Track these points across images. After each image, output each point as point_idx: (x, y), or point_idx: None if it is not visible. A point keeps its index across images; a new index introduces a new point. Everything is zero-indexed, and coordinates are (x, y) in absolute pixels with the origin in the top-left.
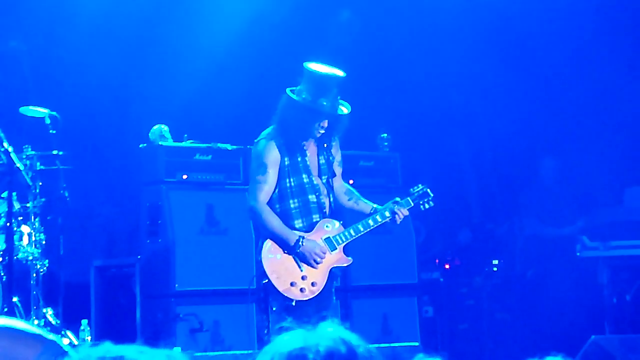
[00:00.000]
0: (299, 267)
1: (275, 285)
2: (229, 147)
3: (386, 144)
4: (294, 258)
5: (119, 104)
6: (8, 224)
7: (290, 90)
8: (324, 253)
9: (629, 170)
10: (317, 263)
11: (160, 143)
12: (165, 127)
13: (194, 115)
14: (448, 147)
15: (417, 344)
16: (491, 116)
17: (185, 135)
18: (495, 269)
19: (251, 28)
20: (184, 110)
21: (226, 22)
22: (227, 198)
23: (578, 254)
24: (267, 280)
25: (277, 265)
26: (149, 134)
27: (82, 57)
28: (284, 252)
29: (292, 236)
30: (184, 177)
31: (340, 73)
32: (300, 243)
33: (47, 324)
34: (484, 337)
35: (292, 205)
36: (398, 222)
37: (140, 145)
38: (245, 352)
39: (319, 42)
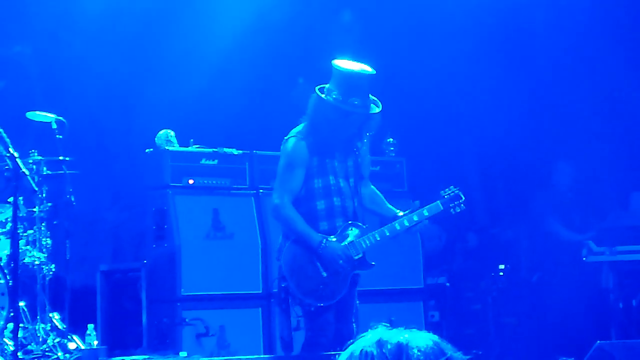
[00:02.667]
0: (321, 271)
1: (296, 288)
2: (235, 151)
3: (392, 148)
4: (316, 262)
5: (125, 109)
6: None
7: (320, 89)
8: (347, 256)
9: (635, 175)
10: (339, 266)
11: (166, 148)
12: (171, 132)
13: (200, 120)
14: (454, 152)
15: None
16: (497, 120)
17: (192, 140)
18: (501, 273)
19: (257, 33)
20: (190, 115)
21: (232, 27)
22: (233, 203)
23: (584, 258)
24: (285, 284)
25: (298, 269)
26: (155, 139)
27: (89, 62)
28: (306, 254)
29: (316, 236)
30: (190, 181)
31: (370, 70)
32: (323, 244)
33: (54, 328)
34: (491, 342)
35: (318, 207)
36: (418, 230)
37: (147, 150)
38: (251, 357)
39: (325, 47)
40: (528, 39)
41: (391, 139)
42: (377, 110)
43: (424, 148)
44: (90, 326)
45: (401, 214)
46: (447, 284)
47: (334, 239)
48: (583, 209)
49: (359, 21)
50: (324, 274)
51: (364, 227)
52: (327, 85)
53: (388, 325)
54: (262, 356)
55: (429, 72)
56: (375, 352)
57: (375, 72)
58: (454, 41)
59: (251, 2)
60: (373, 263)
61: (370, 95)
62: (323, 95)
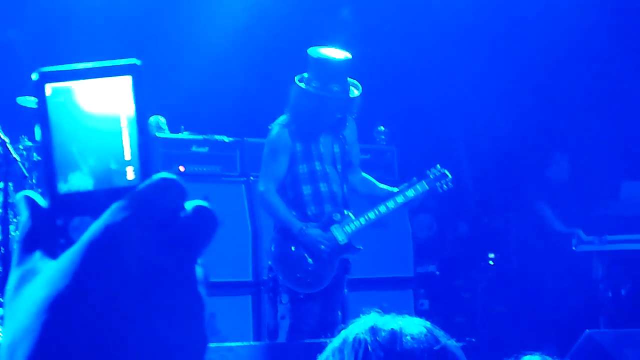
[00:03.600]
0: (307, 258)
1: (282, 277)
2: (225, 139)
3: (383, 137)
4: (301, 250)
5: None
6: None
7: (299, 79)
8: (329, 241)
9: (626, 165)
10: (322, 251)
11: (156, 134)
12: (162, 119)
13: (190, 107)
14: (445, 141)
15: None
16: (488, 109)
17: (182, 127)
18: (491, 262)
19: (249, 20)
20: (181, 101)
21: (224, 13)
22: (224, 190)
23: (574, 248)
24: (273, 274)
25: (284, 257)
26: None
27: (80, 47)
28: (291, 242)
29: (296, 223)
30: (181, 168)
31: (346, 55)
32: (303, 230)
33: None
34: (480, 331)
35: (304, 192)
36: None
37: None
38: (241, 344)
39: (316, 34)
40: (520, 27)
41: (382, 127)
42: (357, 93)
43: (415, 136)
44: None
45: (388, 193)
46: (437, 273)
47: (315, 225)
48: (575, 198)
49: (351, 10)
50: (310, 261)
51: (349, 212)
52: (305, 74)
53: (380, 311)
54: (251, 343)
55: (420, 60)
56: (368, 340)
57: (351, 56)
58: (445, 28)
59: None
60: (360, 247)
61: (349, 79)
62: (302, 85)
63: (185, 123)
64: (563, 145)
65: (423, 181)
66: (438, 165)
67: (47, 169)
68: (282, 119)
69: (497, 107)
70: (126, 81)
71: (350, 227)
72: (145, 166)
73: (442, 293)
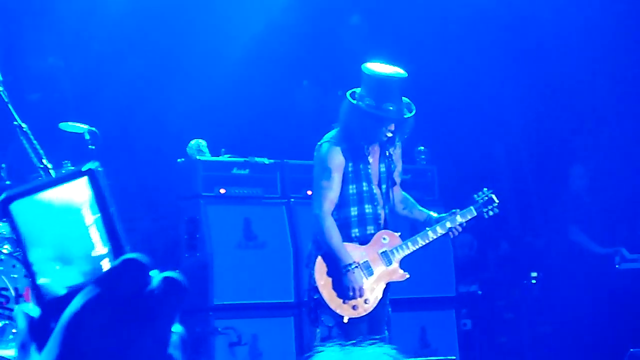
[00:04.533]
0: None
1: (327, 302)
2: (266, 160)
3: (423, 157)
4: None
5: (157, 119)
6: None
7: (351, 95)
8: (361, 294)
9: None
10: (348, 298)
11: (197, 157)
12: (202, 142)
13: (231, 129)
14: (485, 160)
15: (455, 357)
16: (528, 128)
17: (223, 150)
18: (534, 281)
19: (288, 44)
20: (222, 124)
21: (260, 36)
22: (265, 212)
23: (617, 266)
24: (318, 296)
25: (331, 281)
26: (187, 149)
27: (119, 73)
28: (339, 269)
29: (346, 259)
30: (222, 191)
31: (402, 72)
32: (348, 269)
33: None
34: (524, 351)
35: (352, 213)
36: (452, 237)
37: (178, 160)
38: None
39: (348, 54)
40: (552, 48)
41: (422, 147)
42: (410, 114)
43: (455, 156)
44: None
45: (435, 215)
46: (479, 292)
47: (368, 249)
48: (609, 216)
49: (384, 29)
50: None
51: (398, 234)
52: (357, 90)
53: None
54: None
55: (459, 78)
56: None
57: (406, 74)
58: (483, 50)
59: (274, 10)
60: (406, 273)
61: (403, 99)
62: (354, 101)
63: (225, 145)
64: (590, 159)
65: (471, 207)
66: (485, 189)
67: (32, 282)
68: (332, 135)
69: (538, 125)
70: (83, 182)
71: (397, 252)
72: (118, 256)
73: (484, 313)
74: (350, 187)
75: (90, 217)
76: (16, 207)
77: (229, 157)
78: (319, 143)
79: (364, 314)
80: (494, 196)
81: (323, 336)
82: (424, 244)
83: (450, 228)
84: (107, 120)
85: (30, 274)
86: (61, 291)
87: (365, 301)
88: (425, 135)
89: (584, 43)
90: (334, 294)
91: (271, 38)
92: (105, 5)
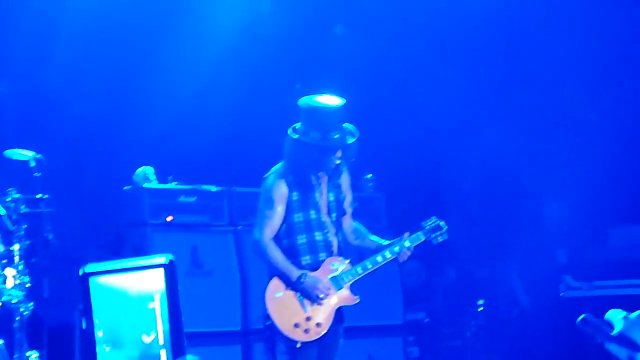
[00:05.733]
0: (304, 307)
1: (279, 327)
2: (213, 188)
3: (371, 184)
4: (298, 298)
5: (103, 147)
6: None
7: (293, 130)
8: (328, 289)
9: (614, 210)
10: (321, 299)
11: (144, 185)
12: (149, 169)
13: (178, 157)
14: (432, 188)
15: None
16: (475, 157)
17: (170, 177)
18: (480, 309)
19: (234, 70)
20: (168, 152)
21: (208, 64)
22: (212, 240)
23: (561, 294)
24: (270, 322)
25: (281, 306)
26: (134, 176)
27: (66, 99)
28: (288, 290)
29: (295, 272)
30: (169, 218)
31: (339, 100)
32: (302, 279)
33: None
34: None
35: (299, 242)
36: (401, 261)
37: (125, 188)
38: None
39: (302, 81)
40: (506, 75)
41: (370, 175)
42: (354, 139)
43: (403, 183)
44: None
45: (386, 243)
46: (427, 320)
47: (317, 274)
48: (563, 244)
49: (337, 57)
50: (307, 310)
51: (347, 261)
52: (298, 125)
53: None
54: None
55: (407, 107)
56: None
57: (344, 101)
58: (432, 79)
59: (224, 41)
60: (357, 297)
61: (344, 125)
62: (296, 136)
63: (172, 173)
64: (552, 191)
65: (419, 232)
66: (434, 217)
67: (90, 352)
68: (278, 168)
69: (484, 155)
70: (159, 273)
71: (347, 277)
72: (176, 350)
73: (432, 340)
74: (296, 215)
75: (159, 307)
76: (94, 282)
77: (176, 184)
78: (264, 176)
79: (316, 337)
80: (442, 223)
81: None
82: (373, 268)
83: (398, 253)
84: (53, 147)
85: (90, 345)
86: None
87: (317, 325)
88: (373, 163)
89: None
90: (285, 318)
91: (220, 67)
92: (52, 30)
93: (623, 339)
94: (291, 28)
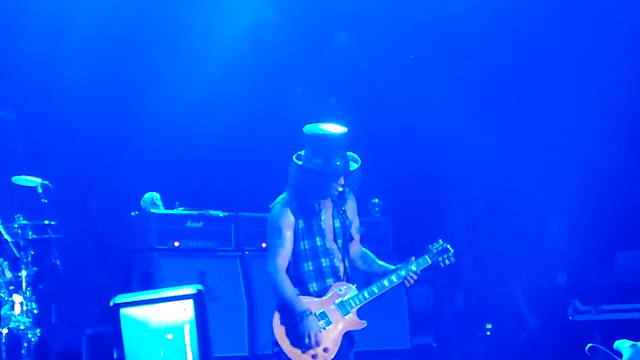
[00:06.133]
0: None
1: (287, 353)
2: (220, 213)
3: (377, 209)
4: None
5: (111, 173)
6: None
7: (297, 157)
8: (318, 343)
9: (621, 235)
10: (307, 345)
11: (151, 210)
12: (156, 195)
13: (185, 183)
14: (439, 212)
15: None
16: (482, 180)
17: (177, 203)
18: (488, 332)
19: (241, 97)
20: (176, 177)
21: (213, 90)
22: (219, 265)
23: (570, 317)
24: (278, 349)
25: (289, 332)
26: (141, 202)
27: (73, 126)
28: (295, 320)
29: (299, 308)
30: (176, 244)
31: (342, 129)
32: (303, 317)
33: None
34: None
35: (305, 269)
36: (407, 286)
37: (132, 213)
38: None
39: (308, 112)
40: (508, 96)
41: (376, 200)
42: (356, 166)
43: (409, 208)
44: None
45: (393, 268)
46: (434, 344)
47: (324, 300)
48: (568, 265)
49: (342, 83)
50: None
51: (354, 285)
52: (302, 152)
53: None
54: None
55: (413, 132)
56: None
57: (347, 129)
58: (438, 100)
59: (226, 61)
60: (364, 322)
61: (347, 153)
62: (300, 162)
63: (179, 199)
64: (560, 214)
65: (426, 256)
66: (440, 240)
67: None
68: (283, 197)
69: (491, 177)
70: (188, 304)
71: (354, 302)
72: None
73: None
74: (302, 243)
75: (189, 337)
76: (125, 313)
77: (183, 210)
78: (270, 205)
79: None
80: (448, 246)
81: None
82: (380, 293)
83: (404, 277)
84: (60, 173)
85: None
86: None
87: (325, 350)
88: (380, 187)
89: (542, 97)
90: (292, 345)
91: (223, 90)
92: (57, 56)
93: None
94: (294, 37)
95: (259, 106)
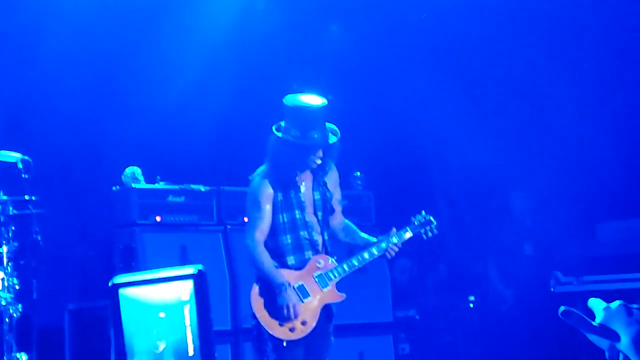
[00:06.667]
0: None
1: (264, 326)
2: (202, 188)
3: (359, 182)
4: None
5: (91, 147)
6: None
7: (276, 129)
8: (296, 315)
9: (602, 206)
10: (283, 320)
11: (133, 185)
12: (137, 169)
13: (166, 157)
14: (422, 184)
15: None
16: (464, 153)
17: (158, 177)
18: (471, 305)
19: (222, 68)
20: (157, 151)
21: (197, 63)
22: (201, 239)
23: (552, 289)
24: (255, 322)
25: (267, 305)
26: (122, 176)
27: (53, 100)
28: (273, 292)
29: (278, 280)
30: (158, 219)
31: (323, 100)
32: (281, 288)
33: None
34: None
35: (284, 242)
36: (389, 257)
37: (113, 188)
38: None
39: (291, 81)
40: (490, 70)
41: (358, 173)
42: (335, 138)
43: (392, 181)
44: None
45: (375, 240)
46: (417, 317)
47: (303, 273)
48: (544, 237)
49: (326, 55)
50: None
51: (334, 258)
52: (282, 123)
53: None
54: None
55: (396, 105)
56: None
57: (327, 100)
58: (420, 76)
59: (217, 41)
60: (343, 294)
61: (327, 125)
62: (280, 134)
63: (161, 173)
64: (539, 186)
65: (407, 227)
66: (423, 211)
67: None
68: (262, 169)
69: (473, 149)
70: (188, 285)
71: (333, 275)
72: None
73: (422, 337)
74: (281, 216)
75: (189, 318)
76: (124, 293)
77: (165, 184)
78: (250, 177)
79: (302, 335)
80: (431, 218)
81: None
82: (360, 266)
83: (385, 249)
84: (41, 148)
85: (122, 354)
86: None
87: (303, 323)
88: (362, 160)
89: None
90: (270, 317)
91: (209, 65)
92: (37, 30)
93: (604, 330)
94: (285, 26)
95: (243, 80)
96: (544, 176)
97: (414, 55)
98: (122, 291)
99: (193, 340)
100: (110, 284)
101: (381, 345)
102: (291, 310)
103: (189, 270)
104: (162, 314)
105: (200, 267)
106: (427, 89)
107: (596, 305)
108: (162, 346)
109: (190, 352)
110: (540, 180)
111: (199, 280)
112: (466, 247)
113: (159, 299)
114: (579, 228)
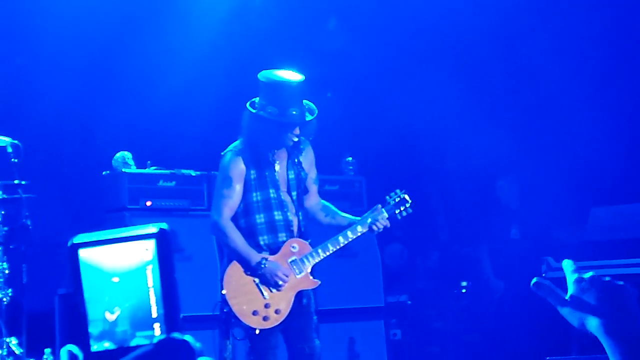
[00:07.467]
0: (262, 294)
1: (237, 314)
2: (192, 173)
3: (351, 167)
4: (256, 284)
5: (82, 132)
6: None
7: (251, 104)
8: (287, 276)
9: (594, 191)
10: (280, 286)
11: (123, 170)
12: (128, 154)
13: (157, 142)
14: (413, 170)
15: None
16: (456, 138)
17: (149, 162)
18: (463, 290)
19: (214, 54)
20: (147, 136)
21: (189, 48)
22: (192, 224)
23: (543, 274)
24: (227, 309)
25: (239, 292)
26: (112, 161)
27: (43, 84)
28: (247, 275)
29: (255, 256)
30: (148, 203)
31: (299, 76)
32: (262, 264)
33: (11, 353)
34: None
35: (257, 221)
36: (376, 231)
37: (103, 173)
38: None
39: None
40: (481, 57)
41: (350, 158)
42: (312, 116)
43: (383, 166)
44: (47, 350)
45: (349, 222)
46: (409, 302)
47: (276, 258)
48: (535, 225)
49: (317, 39)
50: (266, 297)
51: (307, 242)
52: (256, 99)
53: None
54: None
55: (388, 90)
56: None
57: (304, 77)
58: (412, 60)
59: (210, 28)
60: (317, 280)
61: (304, 102)
62: (254, 111)
63: (151, 158)
64: (531, 172)
65: (382, 208)
66: (398, 190)
67: (82, 328)
68: (235, 144)
69: (465, 134)
70: (150, 244)
71: (307, 260)
72: (170, 323)
73: (414, 322)
74: (254, 194)
75: (152, 280)
76: (84, 254)
77: (155, 169)
78: (222, 153)
79: (276, 324)
80: (406, 196)
81: (237, 350)
82: (335, 249)
83: (361, 232)
84: (31, 132)
85: (83, 319)
86: (110, 346)
87: (276, 311)
88: (353, 145)
89: (512, 56)
90: (243, 305)
91: (200, 51)
92: (28, 14)
93: (575, 303)
94: (280, 19)
95: (236, 65)
96: (537, 161)
97: (404, 42)
98: (82, 252)
99: (157, 302)
100: (69, 244)
101: (372, 331)
102: (283, 277)
103: (152, 229)
104: (115, 279)
105: (164, 225)
106: (418, 74)
107: (569, 272)
108: (116, 313)
109: (154, 314)
110: (532, 165)
111: (162, 239)
112: (458, 232)
113: (114, 264)
114: (572, 213)
